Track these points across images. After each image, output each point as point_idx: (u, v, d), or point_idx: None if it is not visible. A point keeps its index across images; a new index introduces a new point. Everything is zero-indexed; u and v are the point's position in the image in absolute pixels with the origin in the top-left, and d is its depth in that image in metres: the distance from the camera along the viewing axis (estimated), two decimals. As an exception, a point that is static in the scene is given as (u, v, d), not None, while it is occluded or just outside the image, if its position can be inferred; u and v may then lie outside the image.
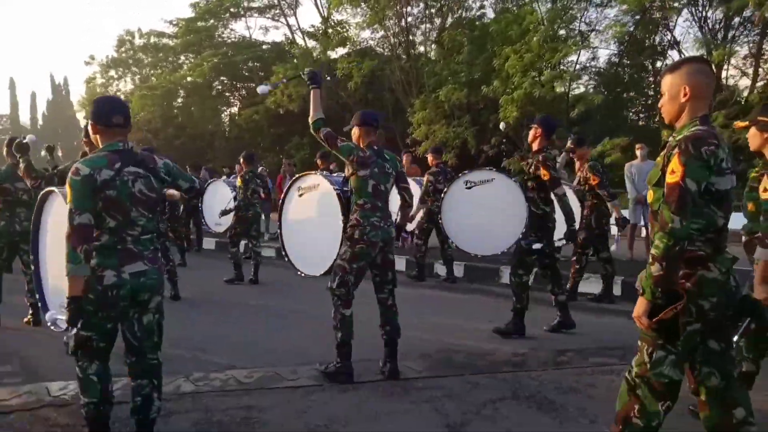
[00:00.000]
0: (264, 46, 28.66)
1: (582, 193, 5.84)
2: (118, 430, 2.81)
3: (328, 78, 24.44)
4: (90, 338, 2.41)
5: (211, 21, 27.85)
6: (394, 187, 3.75)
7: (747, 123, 2.86)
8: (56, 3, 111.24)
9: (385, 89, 23.04)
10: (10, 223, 4.96)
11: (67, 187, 2.36)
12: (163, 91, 27.66)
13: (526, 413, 3.16)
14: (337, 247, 3.61)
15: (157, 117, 28.07)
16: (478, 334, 4.73)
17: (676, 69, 2.05)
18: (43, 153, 5.54)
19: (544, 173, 4.25)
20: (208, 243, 10.81)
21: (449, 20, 21.46)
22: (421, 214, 6.73)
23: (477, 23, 20.04)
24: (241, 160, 7.40)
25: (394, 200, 3.83)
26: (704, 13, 16.77)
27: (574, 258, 5.81)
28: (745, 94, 15.75)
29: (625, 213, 7.41)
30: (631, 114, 21.85)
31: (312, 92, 3.60)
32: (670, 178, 1.89)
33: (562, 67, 16.51)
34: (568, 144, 6.00)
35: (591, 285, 6.22)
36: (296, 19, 35.24)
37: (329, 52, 23.22)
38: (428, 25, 22.26)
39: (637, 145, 8.70)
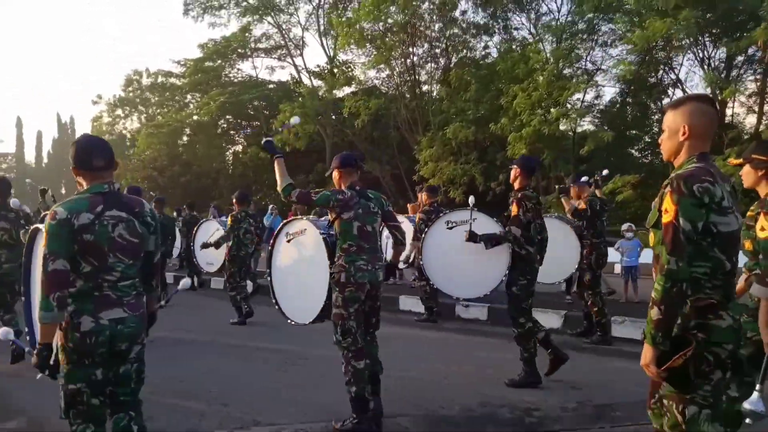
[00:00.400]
0: (270, 86, 29.12)
1: (581, 230, 5.79)
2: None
3: (333, 117, 24.75)
4: (80, 391, 2.27)
5: (219, 61, 28.36)
6: (384, 228, 3.69)
7: (741, 161, 2.80)
8: (64, 40, 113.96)
9: (391, 127, 23.23)
10: None
11: (43, 232, 2.27)
12: (169, 130, 27.94)
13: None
14: (325, 293, 3.54)
15: (163, 155, 28.26)
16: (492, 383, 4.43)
17: (677, 106, 2.02)
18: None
19: (513, 209, 4.20)
20: (217, 282, 10.54)
21: (453, 60, 21.83)
22: (413, 252, 6.62)
23: (481, 62, 20.36)
24: (234, 199, 7.35)
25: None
26: (707, 53, 17.05)
27: (590, 302, 5.68)
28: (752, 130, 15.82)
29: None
30: (634, 152, 21.97)
31: (275, 161, 3.54)
32: (664, 218, 1.84)
33: (568, 104, 16.63)
34: (568, 184, 6.03)
35: (625, 329, 5.95)
36: (303, 59, 35.96)
37: (335, 91, 23.44)
38: (433, 65, 22.68)
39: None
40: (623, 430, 3.59)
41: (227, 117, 29.91)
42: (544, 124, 14.91)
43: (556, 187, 6.10)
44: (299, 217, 4.15)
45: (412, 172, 22.00)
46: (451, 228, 4.66)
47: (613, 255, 7.33)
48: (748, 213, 2.97)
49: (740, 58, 16.61)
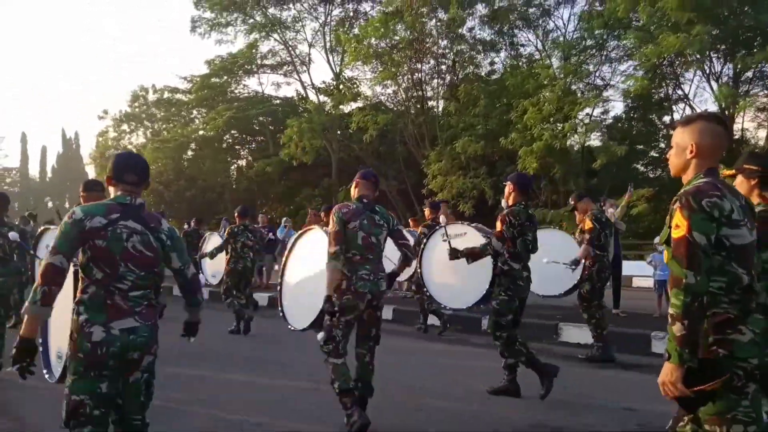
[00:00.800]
0: (276, 101, 29.24)
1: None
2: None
3: (339, 132, 24.78)
4: (83, 403, 2.25)
5: (225, 77, 28.50)
6: (390, 242, 3.78)
7: (733, 171, 2.81)
8: (64, 41, 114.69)
9: (398, 142, 23.23)
10: None
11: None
12: (175, 145, 27.98)
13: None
14: (320, 306, 3.57)
15: (169, 169, 28.25)
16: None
17: (687, 124, 2.02)
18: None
19: (497, 225, 4.22)
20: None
21: (459, 76, 21.91)
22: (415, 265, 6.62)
23: (489, 78, 20.44)
24: (236, 213, 7.49)
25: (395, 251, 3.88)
26: (713, 69, 17.08)
27: (586, 315, 5.65)
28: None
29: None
30: (639, 167, 21.92)
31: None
32: (675, 233, 1.83)
33: (578, 119, 16.61)
34: (570, 201, 6.05)
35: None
36: (309, 75, 36.16)
37: (342, 106, 23.50)
38: (439, 81, 22.76)
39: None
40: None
41: (232, 132, 29.98)
42: (555, 138, 14.87)
43: (570, 202, 6.06)
44: (312, 227, 4.25)
45: (419, 187, 21.93)
46: (445, 241, 4.81)
47: (644, 269, 7.24)
48: None
49: (748, 74, 16.70)
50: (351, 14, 26.46)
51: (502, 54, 21.26)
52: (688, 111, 18.91)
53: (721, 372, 1.79)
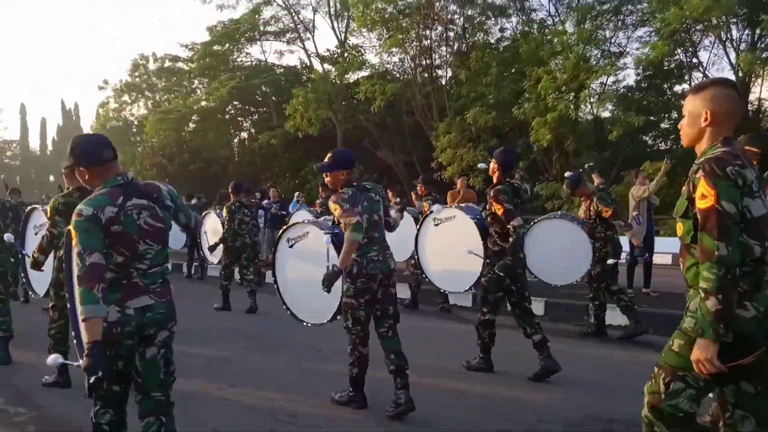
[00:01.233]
0: (279, 71, 28.57)
1: (592, 229, 5.65)
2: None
3: (344, 103, 24.24)
4: (101, 379, 2.23)
5: (227, 45, 27.79)
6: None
7: None
8: (66, 24, 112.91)
9: (404, 113, 22.72)
10: None
11: (72, 231, 2.30)
12: (178, 116, 27.47)
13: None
14: (339, 292, 3.63)
15: (172, 142, 27.80)
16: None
17: (699, 91, 1.95)
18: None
19: (497, 207, 4.16)
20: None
21: (469, 43, 21.25)
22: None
23: (501, 46, 19.80)
24: (230, 189, 7.48)
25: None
26: (730, 35, 16.49)
27: (591, 295, 5.65)
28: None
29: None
30: (648, 139, 21.44)
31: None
32: (702, 203, 1.77)
33: (592, 88, 16.12)
34: (565, 189, 6.04)
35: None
36: (314, 42, 35.26)
37: (350, 74, 22.88)
38: (446, 49, 22.11)
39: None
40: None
41: (235, 103, 29.41)
42: (569, 108, 14.41)
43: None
44: (301, 221, 4.27)
45: (426, 159, 21.55)
46: (437, 225, 4.80)
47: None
48: None
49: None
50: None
51: (513, 20, 20.63)
52: (702, 79, 18.42)
53: (756, 345, 1.76)
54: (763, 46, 16.29)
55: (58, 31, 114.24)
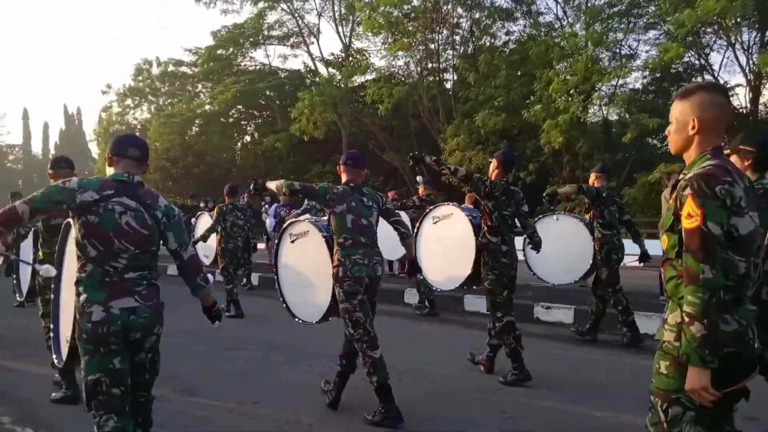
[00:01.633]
0: (282, 75, 28.47)
1: (591, 226, 5.59)
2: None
3: (349, 106, 24.09)
4: (99, 381, 2.27)
5: (231, 49, 27.70)
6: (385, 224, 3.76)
7: (729, 151, 2.75)
8: (66, 25, 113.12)
9: (410, 116, 22.57)
10: None
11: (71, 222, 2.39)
12: (181, 120, 27.36)
13: None
14: (329, 293, 3.62)
15: (176, 145, 27.68)
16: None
17: (687, 96, 1.86)
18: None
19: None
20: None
21: (477, 46, 21.12)
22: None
23: (504, 49, 19.65)
24: (225, 192, 7.47)
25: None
26: (740, 37, 16.31)
27: (613, 301, 5.43)
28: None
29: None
30: (656, 141, 21.24)
31: (265, 187, 3.84)
32: (688, 223, 1.71)
33: (602, 91, 15.94)
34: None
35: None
36: (318, 46, 35.15)
37: (356, 78, 22.74)
38: (453, 52, 21.96)
39: None
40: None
41: (238, 107, 29.29)
42: (581, 111, 14.23)
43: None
44: (300, 219, 4.26)
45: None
46: (435, 223, 4.78)
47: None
48: None
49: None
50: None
51: (520, 23, 20.48)
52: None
53: (748, 368, 1.72)
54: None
55: (59, 32, 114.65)
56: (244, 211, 7.60)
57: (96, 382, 2.27)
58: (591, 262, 5.55)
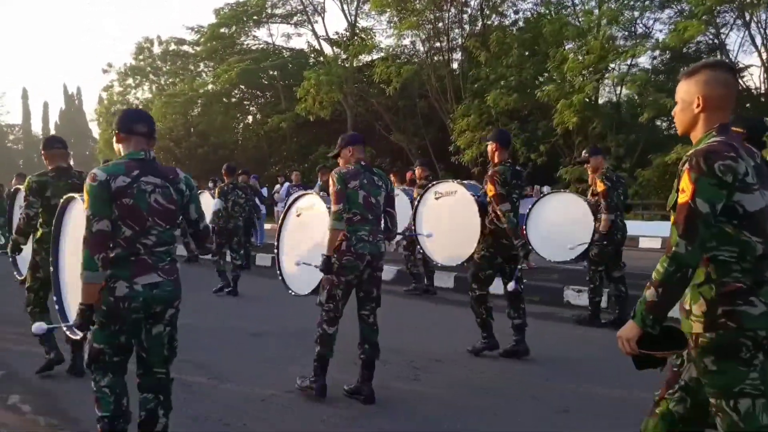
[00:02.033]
0: (286, 54, 27.99)
1: (595, 207, 5.50)
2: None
3: (355, 86, 23.71)
4: (102, 351, 2.40)
5: (234, 27, 27.20)
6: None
7: None
8: (66, 11, 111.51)
9: (417, 96, 22.21)
10: None
11: (84, 194, 2.39)
12: (184, 99, 26.98)
13: None
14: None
15: (179, 125, 27.34)
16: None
17: (692, 75, 1.84)
18: None
19: (489, 188, 4.22)
20: (262, 260, 9.86)
21: (485, 24, 20.69)
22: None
23: (511, 28, 19.23)
24: (223, 171, 7.45)
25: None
26: (759, 16, 15.92)
27: (588, 278, 5.47)
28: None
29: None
30: (663, 124, 20.90)
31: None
32: (680, 198, 1.71)
33: (617, 70, 15.60)
34: (583, 154, 5.76)
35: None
36: (324, 24, 34.57)
37: (362, 56, 22.33)
38: (460, 31, 21.53)
39: None
40: None
41: (241, 87, 28.86)
42: (596, 90, 13.92)
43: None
44: (308, 192, 4.26)
45: (440, 143, 21.07)
46: (438, 198, 4.78)
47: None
48: None
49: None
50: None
51: (529, 2, 20.02)
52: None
53: (679, 344, 1.78)
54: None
55: (55, 12, 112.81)
56: (245, 190, 7.62)
57: (100, 351, 2.39)
58: (590, 240, 5.54)
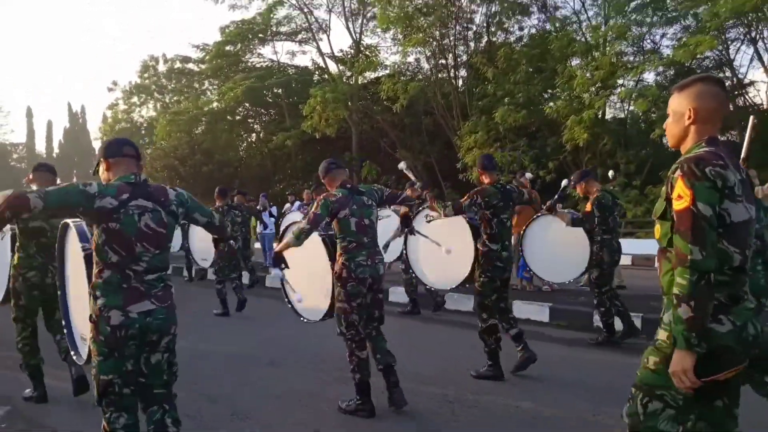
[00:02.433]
0: (291, 71, 28.05)
1: (591, 231, 5.46)
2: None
3: (360, 103, 23.67)
4: (111, 382, 2.34)
5: (239, 45, 27.31)
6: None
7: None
8: (72, 29, 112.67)
9: (422, 113, 22.13)
10: None
11: (71, 224, 2.48)
12: (189, 117, 26.97)
13: None
14: (329, 292, 3.68)
15: (183, 144, 27.29)
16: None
17: (684, 88, 1.89)
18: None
19: (465, 197, 4.31)
20: (272, 281, 9.60)
21: (491, 40, 20.69)
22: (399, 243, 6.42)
23: (516, 45, 19.21)
24: (215, 195, 7.49)
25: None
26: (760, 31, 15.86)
27: (596, 301, 5.45)
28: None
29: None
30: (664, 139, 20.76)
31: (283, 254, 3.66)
32: (678, 205, 1.71)
33: (623, 86, 15.48)
34: (571, 181, 5.61)
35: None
36: (329, 42, 34.74)
37: (368, 73, 22.32)
38: (465, 47, 21.51)
39: None
40: None
41: (245, 104, 28.89)
42: (606, 106, 13.79)
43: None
44: (298, 220, 4.27)
45: (445, 160, 20.92)
46: (429, 222, 4.78)
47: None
48: None
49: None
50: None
51: (535, 18, 20.04)
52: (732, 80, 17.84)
53: (734, 360, 1.69)
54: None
55: (60, 30, 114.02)
56: (240, 209, 7.70)
57: (109, 382, 2.34)
58: (587, 264, 5.56)
